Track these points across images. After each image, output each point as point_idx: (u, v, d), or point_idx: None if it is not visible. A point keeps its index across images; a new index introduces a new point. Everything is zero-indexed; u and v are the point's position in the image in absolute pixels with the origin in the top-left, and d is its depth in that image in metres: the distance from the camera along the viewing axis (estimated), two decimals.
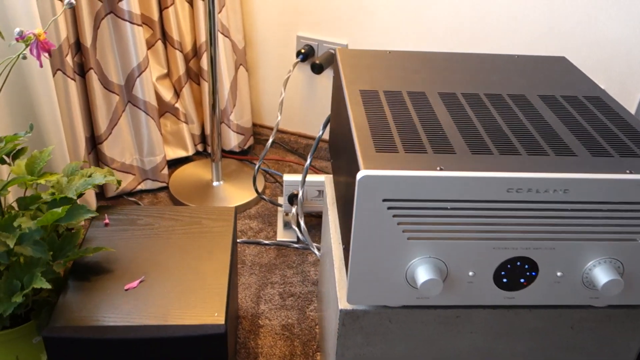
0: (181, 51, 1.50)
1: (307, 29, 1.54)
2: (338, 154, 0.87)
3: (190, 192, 1.48)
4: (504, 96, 0.83)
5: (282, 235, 1.37)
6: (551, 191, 0.64)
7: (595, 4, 1.23)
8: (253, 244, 1.35)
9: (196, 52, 1.55)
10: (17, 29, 0.61)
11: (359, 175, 0.62)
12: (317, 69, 1.47)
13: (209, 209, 1.03)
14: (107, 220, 0.96)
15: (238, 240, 1.35)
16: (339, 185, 0.86)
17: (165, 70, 1.52)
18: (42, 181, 0.87)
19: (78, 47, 1.28)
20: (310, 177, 1.34)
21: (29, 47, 0.62)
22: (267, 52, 1.62)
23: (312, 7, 1.50)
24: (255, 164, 1.62)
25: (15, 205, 0.90)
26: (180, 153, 1.61)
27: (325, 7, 1.48)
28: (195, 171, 1.57)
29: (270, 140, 1.40)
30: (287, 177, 1.35)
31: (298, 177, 1.35)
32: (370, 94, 0.81)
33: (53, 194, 0.86)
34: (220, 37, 1.49)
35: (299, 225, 1.31)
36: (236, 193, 1.49)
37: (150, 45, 1.47)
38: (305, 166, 1.21)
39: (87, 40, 1.26)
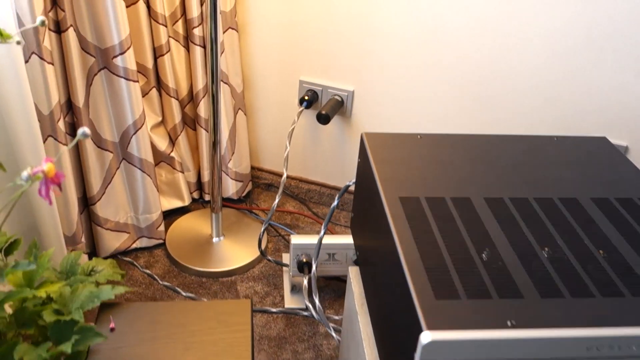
0: (177, 99, 1.41)
1: (310, 73, 1.45)
2: (372, 262, 0.80)
3: (189, 250, 1.39)
4: (556, 201, 0.76)
5: (290, 301, 1.29)
6: (634, 347, 0.57)
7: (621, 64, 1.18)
8: (260, 313, 1.27)
9: (192, 98, 1.45)
10: (25, 174, 0.52)
11: (423, 339, 0.55)
12: (324, 119, 1.38)
13: (222, 304, 0.94)
14: (112, 325, 0.87)
15: None
16: (374, 298, 0.79)
17: (160, 119, 1.42)
18: (42, 293, 0.78)
19: (69, 106, 1.17)
20: (316, 239, 1.27)
21: (38, 187, 0.53)
22: (267, 96, 1.53)
23: (315, 50, 1.41)
24: (256, 215, 1.53)
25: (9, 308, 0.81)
26: (176, 203, 1.51)
27: (329, 51, 1.40)
28: (192, 224, 1.48)
29: (277, 200, 1.32)
30: (296, 240, 1.27)
31: (307, 240, 1.26)
32: (412, 203, 0.73)
33: (56, 310, 0.77)
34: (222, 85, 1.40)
35: (313, 304, 1.24)
36: (238, 251, 1.40)
37: (144, 93, 1.36)
38: (319, 237, 1.13)
39: (80, 99, 1.15)
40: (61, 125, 1.10)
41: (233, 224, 1.50)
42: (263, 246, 1.41)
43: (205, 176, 1.53)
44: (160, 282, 1.31)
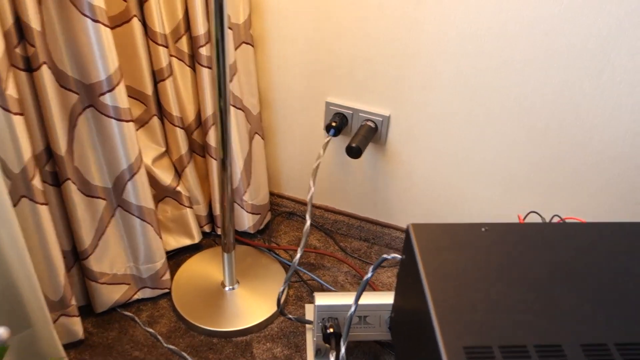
0: (182, 127, 1.20)
1: (338, 94, 1.23)
2: None
3: (199, 304, 1.21)
4: None
5: None
6: None
7: None
8: None
9: (200, 124, 1.25)
10: None
11: None
12: (355, 153, 1.17)
13: None
14: None
15: None
16: None
17: (163, 149, 1.22)
18: None
19: (49, 154, 0.98)
20: (346, 299, 1.07)
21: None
22: (287, 117, 1.32)
23: (345, 67, 1.19)
24: (276, 254, 1.34)
25: None
26: (185, 242, 1.33)
27: (362, 68, 1.17)
28: (203, 268, 1.30)
29: (299, 253, 1.12)
30: (321, 301, 1.07)
31: (334, 301, 1.07)
32: (482, 355, 0.53)
33: None
34: (232, 111, 1.19)
35: None
36: (255, 303, 1.22)
37: (143, 122, 1.16)
38: (348, 315, 0.94)
39: (61, 146, 0.96)
40: (37, 182, 0.91)
41: (249, 266, 1.31)
42: (283, 297, 1.23)
43: (217, 209, 1.34)
44: (165, 345, 1.14)
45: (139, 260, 1.17)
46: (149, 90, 1.12)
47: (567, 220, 0.76)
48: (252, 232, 1.38)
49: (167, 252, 1.31)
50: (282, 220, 1.46)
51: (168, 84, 1.13)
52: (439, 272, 0.62)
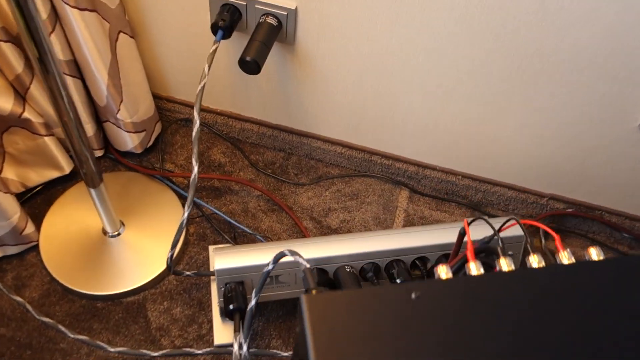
0: (10, 40, 0.86)
1: None
2: None
3: (74, 259, 0.98)
4: None
5: (221, 333, 0.94)
6: None
7: None
8: (181, 357, 0.93)
9: None
10: None
11: None
12: (251, 69, 0.88)
13: None
14: None
15: (155, 354, 0.92)
16: None
17: None
18: None
19: None
20: (250, 258, 0.87)
21: None
22: (160, 11, 0.98)
23: None
24: (170, 182, 1.09)
25: None
26: (51, 174, 1.05)
27: None
28: (77, 209, 1.04)
29: (190, 196, 0.88)
30: (221, 264, 0.87)
31: (238, 262, 0.87)
32: None
33: None
34: (73, 15, 0.85)
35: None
36: (146, 252, 1.00)
37: None
38: (249, 309, 0.74)
39: None
40: None
41: (137, 200, 1.06)
42: (181, 241, 1.01)
43: (90, 129, 1.05)
44: (37, 317, 0.93)
45: None
46: None
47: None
48: (138, 151, 1.11)
49: (32, 189, 1.05)
50: (177, 129, 1.18)
51: None
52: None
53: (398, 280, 0.88)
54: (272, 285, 0.90)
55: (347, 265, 0.89)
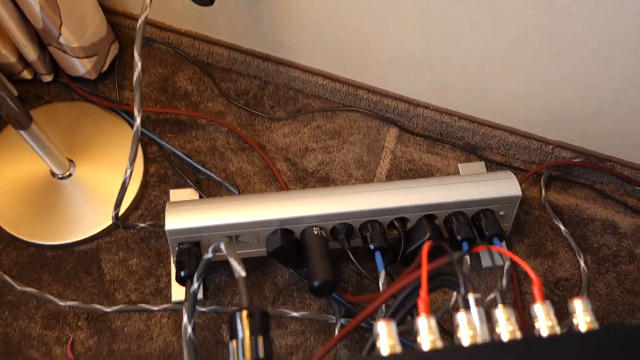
0: None
1: None
2: None
3: (20, 203, 0.89)
4: None
5: (179, 286, 0.87)
6: None
7: None
8: (137, 313, 0.86)
9: None
10: None
11: None
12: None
13: None
14: None
15: (108, 309, 0.85)
16: None
17: None
18: None
19: None
20: (207, 217, 0.78)
21: None
22: None
23: None
24: (126, 115, 0.97)
25: None
26: None
27: None
28: (21, 151, 0.92)
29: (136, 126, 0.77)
30: (172, 223, 0.77)
31: (190, 222, 0.77)
32: None
33: None
34: None
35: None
36: (99, 195, 0.91)
37: None
38: (191, 293, 0.66)
39: None
40: None
41: (88, 135, 0.95)
42: (139, 177, 0.91)
43: (31, 53, 0.92)
44: None
45: None
46: None
47: None
48: (92, 77, 0.98)
49: None
50: (131, 53, 1.04)
51: None
52: None
53: (371, 246, 0.79)
54: (233, 245, 0.81)
55: (316, 227, 0.79)
